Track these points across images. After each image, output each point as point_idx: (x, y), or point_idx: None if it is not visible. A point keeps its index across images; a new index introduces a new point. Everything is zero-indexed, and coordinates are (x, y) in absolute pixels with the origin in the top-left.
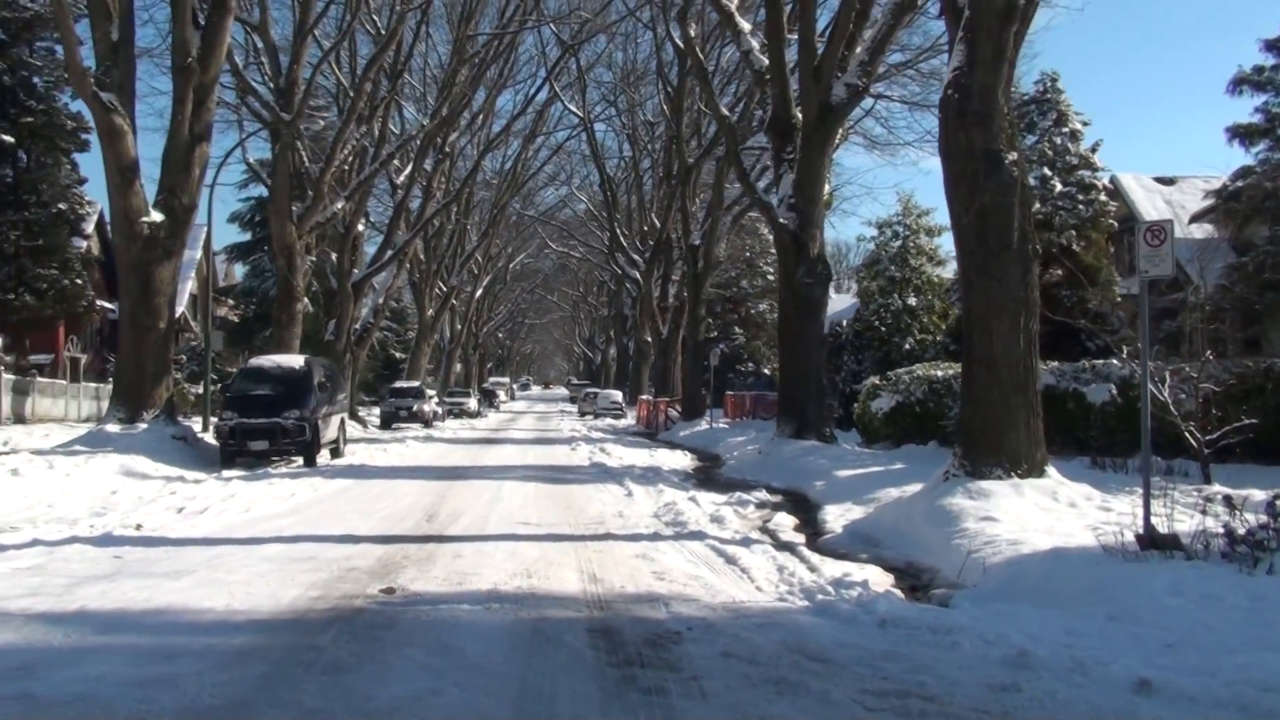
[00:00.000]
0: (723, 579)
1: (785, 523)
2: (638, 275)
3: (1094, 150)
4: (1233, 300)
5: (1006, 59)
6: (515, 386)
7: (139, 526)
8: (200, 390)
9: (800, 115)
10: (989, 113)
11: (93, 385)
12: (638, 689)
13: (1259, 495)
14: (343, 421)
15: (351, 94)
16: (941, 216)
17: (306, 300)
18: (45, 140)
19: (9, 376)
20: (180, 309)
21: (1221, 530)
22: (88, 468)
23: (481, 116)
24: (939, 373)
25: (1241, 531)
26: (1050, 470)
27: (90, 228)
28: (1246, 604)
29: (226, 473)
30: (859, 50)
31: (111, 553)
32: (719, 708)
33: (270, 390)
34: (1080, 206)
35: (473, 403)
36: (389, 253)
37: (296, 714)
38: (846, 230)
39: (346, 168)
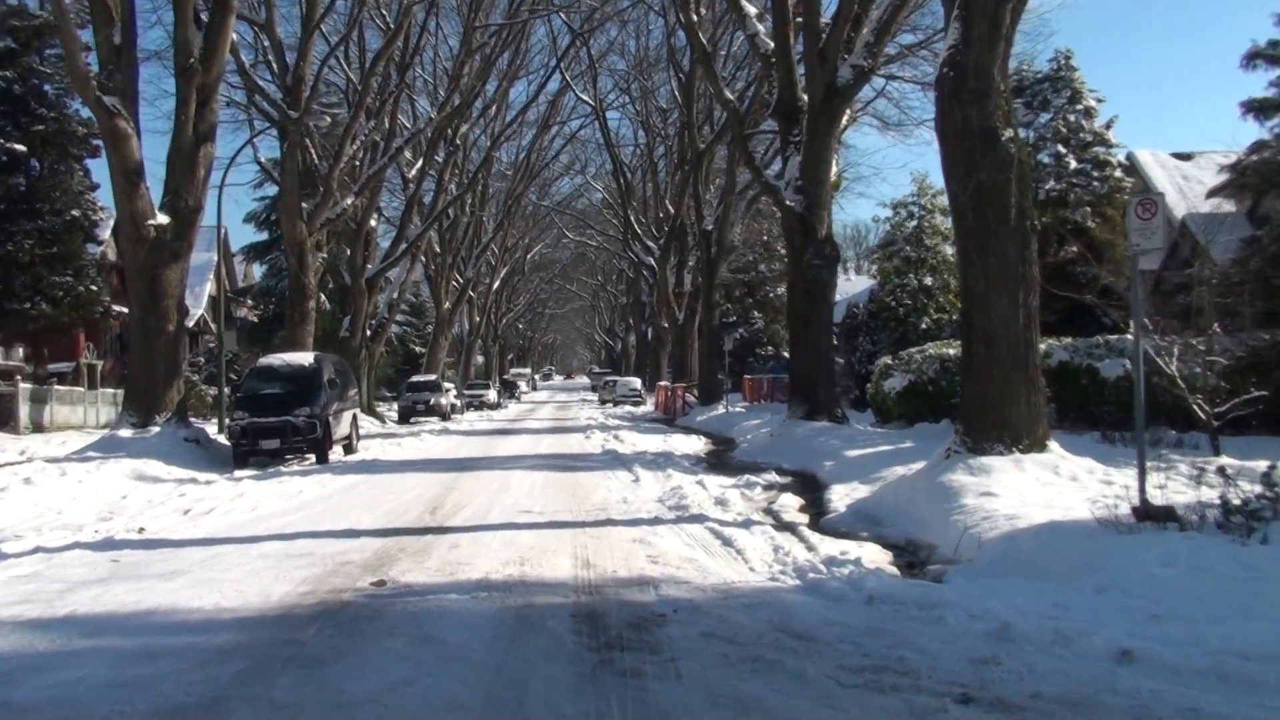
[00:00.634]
0: (717, 561)
1: (790, 503)
2: (653, 262)
3: (1108, 127)
4: (1246, 274)
5: (1002, 36)
6: (537, 377)
7: (141, 530)
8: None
9: (806, 98)
10: (985, 90)
11: (110, 391)
12: (614, 672)
13: (1263, 466)
14: (355, 417)
15: (359, 89)
16: None
17: (323, 297)
18: (57, 147)
19: (26, 386)
20: (199, 311)
21: (1218, 501)
22: (99, 473)
23: (495, 108)
24: (951, 351)
25: (1237, 502)
26: (1052, 445)
27: (106, 233)
28: (1238, 574)
29: (238, 473)
30: (865, 31)
31: (110, 556)
32: (693, 688)
33: (280, 389)
34: (1095, 183)
35: (492, 394)
36: (402, 247)
37: (267, 709)
38: (863, 212)
39: (357, 163)
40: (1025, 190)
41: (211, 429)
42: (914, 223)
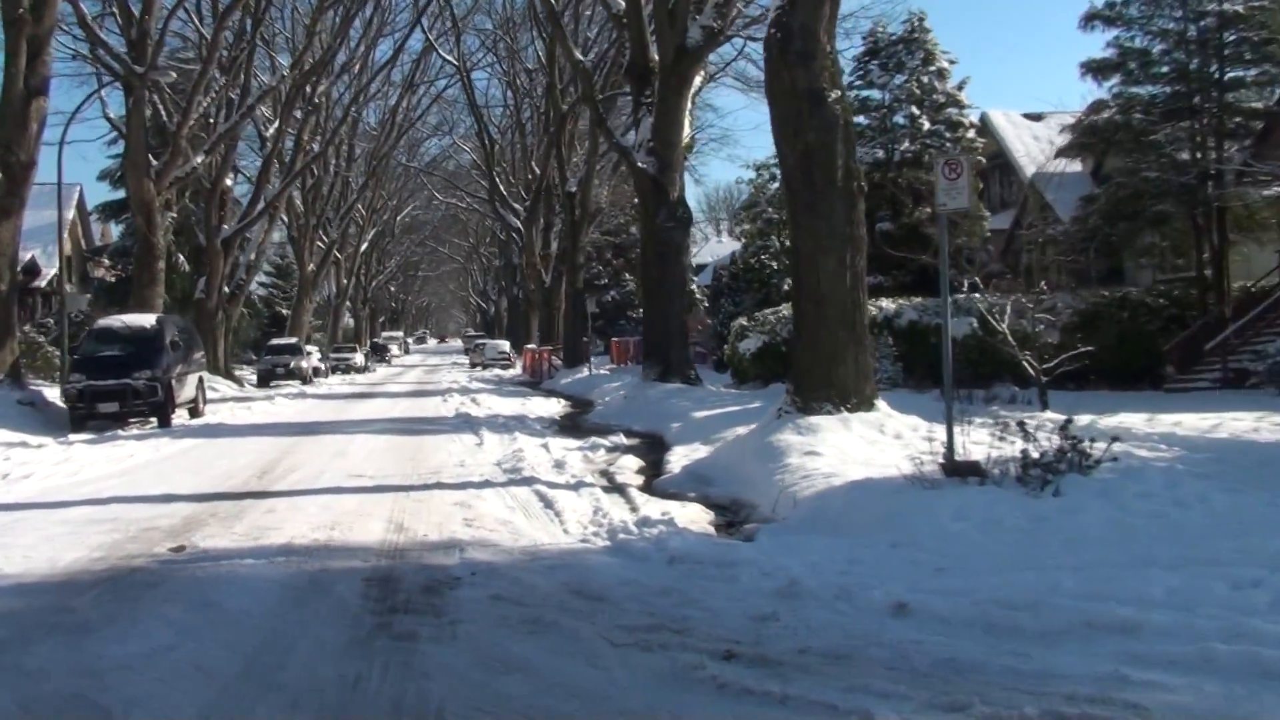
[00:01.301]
0: (534, 523)
1: (629, 465)
2: (519, 224)
3: (960, 88)
4: (1086, 232)
5: None
6: (410, 340)
7: None
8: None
9: (658, 59)
10: (811, 51)
11: None
12: (389, 635)
13: (1084, 419)
14: (201, 380)
15: (209, 43)
16: None
17: (182, 258)
18: None
19: None
20: (52, 271)
21: (1019, 455)
22: None
23: (357, 66)
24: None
25: (1035, 455)
26: (880, 403)
27: None
28: (1025, 525)
29: (73, 436)
30: None
31: None
32: (463, 650)
33: (120, 351)
34: (948, 144)
35: (359, 358)
36: (259, 207)
37: (13, 676)
38: (733, 174)
39: (210, 120)
40: (851, 151)
41: (54, 392)
42: (776, 184)
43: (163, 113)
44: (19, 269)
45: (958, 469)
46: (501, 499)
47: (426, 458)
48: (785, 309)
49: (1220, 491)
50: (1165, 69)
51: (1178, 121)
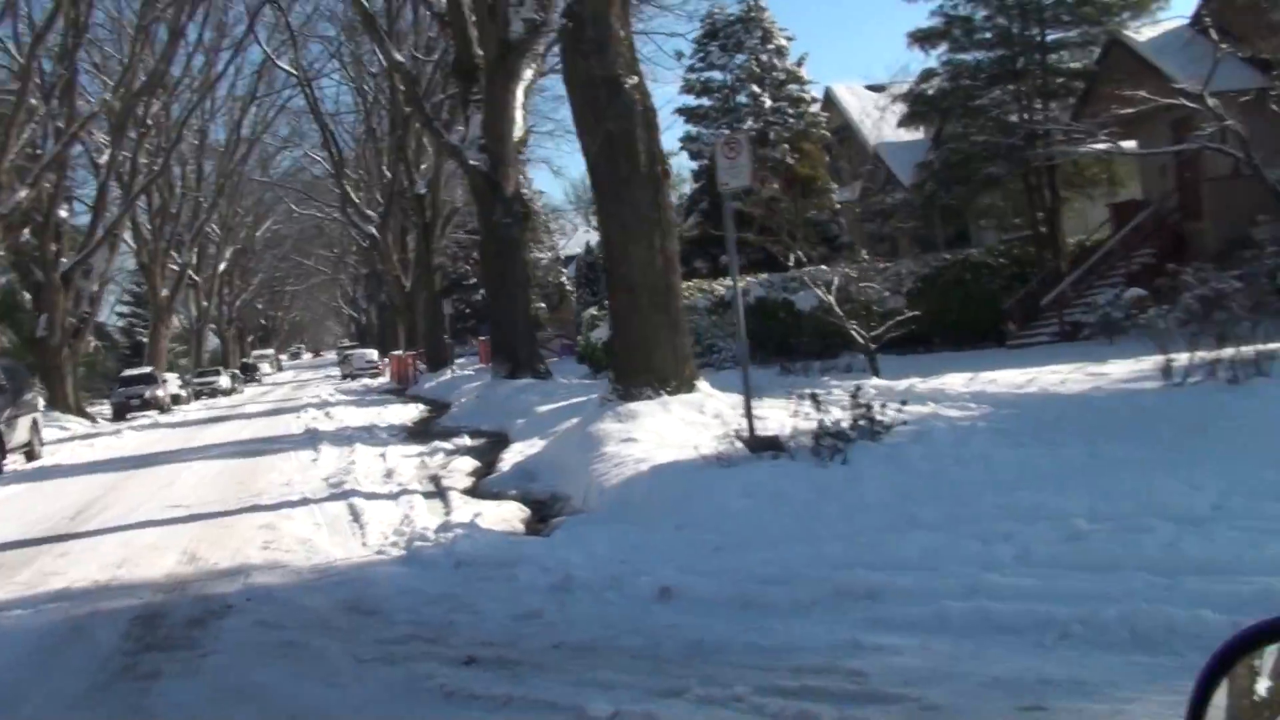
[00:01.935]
0: (336, 539)
1: (463, 467)
2: (374, 230)
3: (800, 64)
4: (923, 198)
5: None
6: (283, 357)
7: None
8: None
9: (482, 54)
10: (604, 39)
11: None
12: (132, 677)
13: (908, 382)
14: (35, 422)
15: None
16: (671, 140)
17: (27, 294)
18: None
19: None
20: None
21: (818, 426)
22: None
23: (197, 82)
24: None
25: (829, 425)
26: (700, 384)
27: None
28: (809, 497)
29: None
30: None
31: None
32: (200, 685)
33: None
34: (791, 120)
35: (224, 380)
36: (98, 236)
37: None
38: None
39: (38, 150)
40: (654, 136)
41: None
42: None
43: None
44: None
45: (759, 444)
46: (312, 516)
47: (255, 480)
48: None
49: (1005, 447)
50: (989, 35)
51: (1004, 85)
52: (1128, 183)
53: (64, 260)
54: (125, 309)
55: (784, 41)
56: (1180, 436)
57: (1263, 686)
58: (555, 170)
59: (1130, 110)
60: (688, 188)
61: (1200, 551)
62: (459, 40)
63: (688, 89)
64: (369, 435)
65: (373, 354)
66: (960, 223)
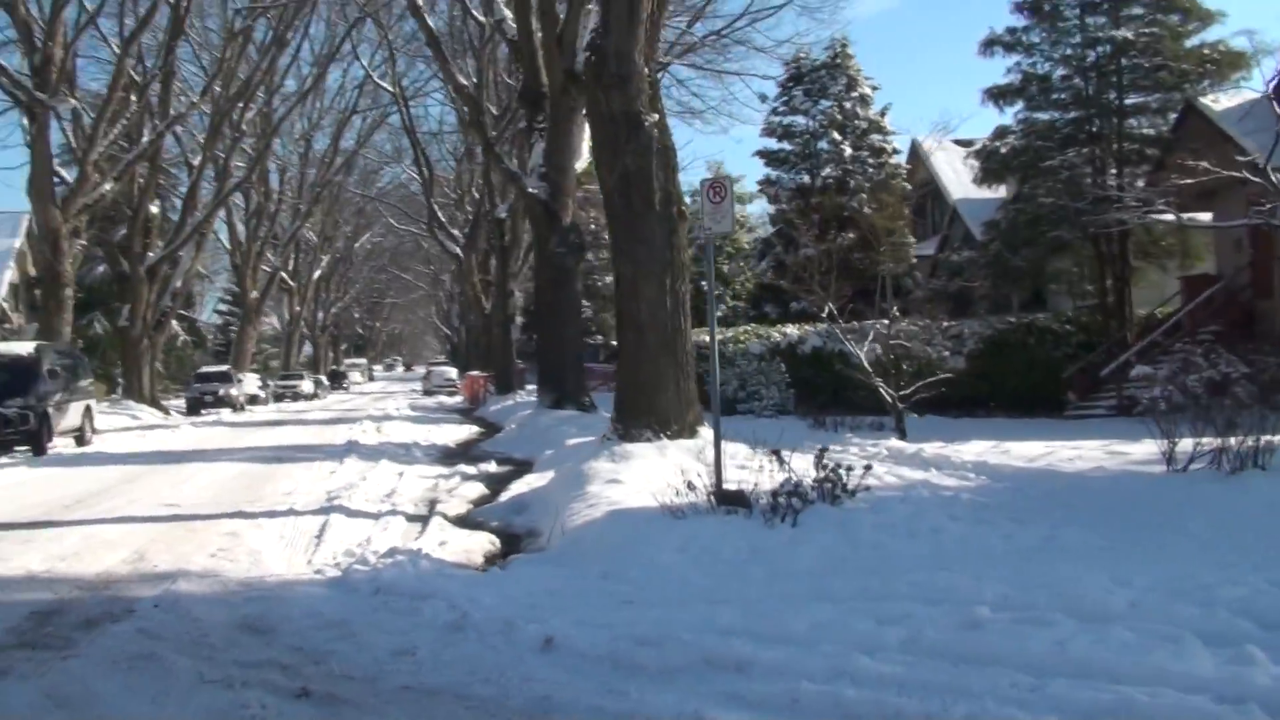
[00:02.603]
0: (287, 553)
1: (468, 493)
2: (459, 251)
3: (883, 114)
4: (988, 258)
5: (641, 21)
6: (378, 368)
7: None
8: None
9: (548, 83)
10: (627, 75)
11: None
12: None
13: (930, 446)
14: (89, 408)
15: (114, 71)
16: (749, 183)
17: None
18: None
19: None
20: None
21: (779, 485)
22: None
23: (310, 94)
24: (706, 339)
25: (794, 485)
26: (703, 430)
27: None
28: (741, 557)
29: None
30: None
31: None
32: (35, 688)
33: None
34: (871, 169)
35: (306, 385)
36: (185, 234)
37: None
38: None
39: (125, 145)
40: (671, 176)
41: None
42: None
43: (69, 138)
44: None
45: (725, 498)
46: (282, 529)
47: (262, 486)
48: None
49: (965, 523)
50: (1065, 95)
51: (1079, 148)
52: (1204, 255)
53: (151, 254)
54: (224, 307)
55: (868, 90)
56: (1147, 526)
57: None
58: None
59: (1191, 180)
60: (764, 231)
61: (1085, 653)
62: (527, 67)
63: (769, 132)
64: (404, 453)
65: (452, 372)
66: (1037, 286)
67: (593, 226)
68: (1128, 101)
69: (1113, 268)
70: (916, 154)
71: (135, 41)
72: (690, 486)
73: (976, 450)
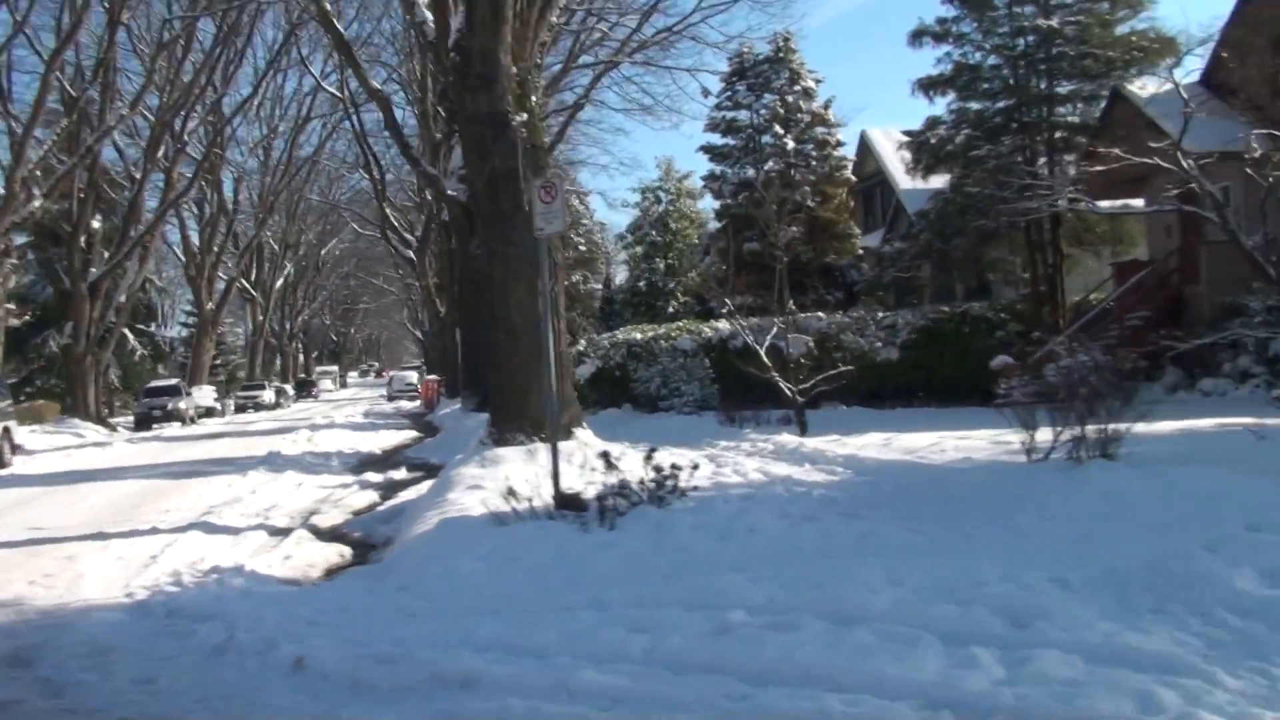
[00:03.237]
0: (111, 575)
1: (355, 503)
2: (412, 255)
3: (827, 107)
4: (918, 248)
5: (506, 20)
6: (353, 374)
7: None
8: None
9: None
10: (492, 75)
11: None
12: None
13: (824, 440)
14: (6, 430)
15: (40, 90)
16: (694, 180)
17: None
18: None
19: None
20: None
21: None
22: None
23: (256, 101)
24: (638, 335)
25: (618, 487)
26: (579, 432)
27: None
28: (543, 565)
29: None
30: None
31: None
32: None
33: None
34: (815, 163)
35: (267, 395)
36: (125, 249)
37: None
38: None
39: (58, 163)
40: (540, 175)
41: None
42: (660, 207)
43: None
44: None
45: (563, 503)
46: (127, 549)
47: (149, 504)
48: (621, 333)
49: (788, 522)
50: (995, 84)
51: (1010, 137)
52: (1137, 241)
53: (93, 270)
54: (185, 320)
55: (812, 84)
56: (977, 519)
57: None
58: (611, 204)
59: (1111, 167)
60: (711, 226)
61: (813, 658)
62: (443, 71)
63: (712, 127)
64: (320, 462)
65: (412, 376)
66: (981, 276)
67: None
68: (1058, 90)
69: (1044, 255)
70: (866, 146)
71: (62, 53)
72: (511, 492)
73: (863, 443)
